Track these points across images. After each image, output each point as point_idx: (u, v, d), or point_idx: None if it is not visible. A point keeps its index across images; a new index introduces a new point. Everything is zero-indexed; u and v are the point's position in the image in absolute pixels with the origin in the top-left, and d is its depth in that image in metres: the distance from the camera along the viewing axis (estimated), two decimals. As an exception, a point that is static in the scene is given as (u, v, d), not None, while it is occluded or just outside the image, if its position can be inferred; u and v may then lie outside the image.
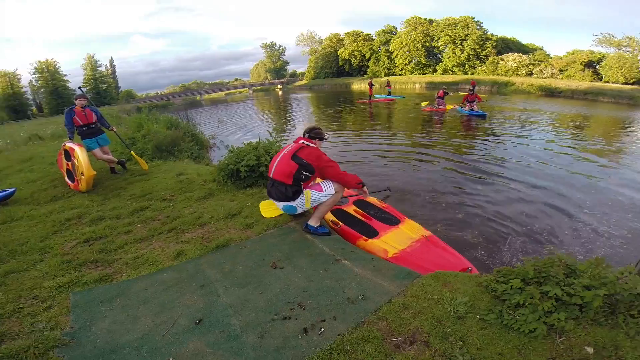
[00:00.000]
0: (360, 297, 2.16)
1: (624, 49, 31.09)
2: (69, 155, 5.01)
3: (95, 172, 4.74)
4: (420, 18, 44.33)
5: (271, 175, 3.00)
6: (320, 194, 2.99)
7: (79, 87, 6.06)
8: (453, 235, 3.87)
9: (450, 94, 20.31)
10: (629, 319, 1.87)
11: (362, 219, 3.50)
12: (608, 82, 29.92)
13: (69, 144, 5.01)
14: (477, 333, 1.94)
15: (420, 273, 2.47)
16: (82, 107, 5.18)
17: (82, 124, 5.19)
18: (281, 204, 3.04)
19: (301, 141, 3.05)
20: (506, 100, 22.47)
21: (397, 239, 3.13)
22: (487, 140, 9.11)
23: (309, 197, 2.97)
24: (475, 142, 8.86)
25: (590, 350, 1.81)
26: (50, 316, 2.22)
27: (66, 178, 5.20)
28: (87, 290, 2.45)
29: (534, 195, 5.05)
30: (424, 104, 16.14)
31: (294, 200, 2.96)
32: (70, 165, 5.03)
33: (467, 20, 40.03)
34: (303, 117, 18.03)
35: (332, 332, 1.88)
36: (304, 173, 2.89)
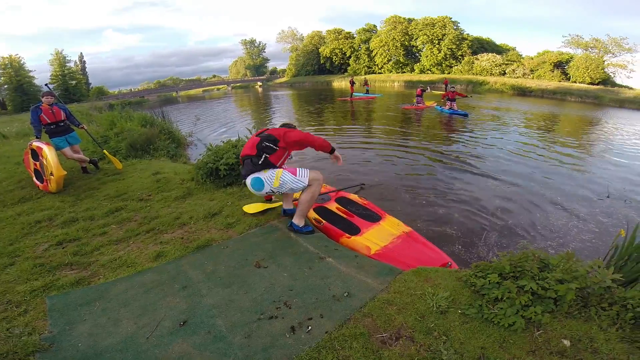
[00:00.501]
0: (345, 295, 2.18)
1: (590, 50, 32.63)
2: (36, 154, 4.75)
3: (65, 172, 4.53)
4: (400, 17, 44.92)
5: (241, 156, 3.01)
6: (292, 177, 2.91)
7: (46, 84, 5.75)
8: (432, 231, 3.97)
9: (428, 90, 20.75)
10: (600, 311, 1.97)
11: (345, 216, 3.52)
12: (575, 82, 31.39)
13: (36, 143, 4.76)
14: (459, 327, 2.00)
15: (402, 269, 2.53)
16: (49, 105, 4.94)
17: (49, 122, 4.94)
18: (250, 179, 2.94)
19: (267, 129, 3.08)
20: (481, 99, 23.19)
21: (378, 236, 3.19)
22: (464, 137, 9.40)
23: (279, 175, 2.90)
24: (453, 139, 9.12)
25: (567, 342, 1.89)
26: (27, 321, 2.11)
27: (34, 178, 4.94)
28: (63, 293, 2.34)
29: (509, 191, 5.26)
30: (429, 103, 15.97)
31: (260, 171, 2.91)
32: (38, 165, 4.77)
33: (445, 20, 40.93)
34: (283, 114, 17.91)
35: (320, 329, 1.89)
36: (266, 143, 2.88)
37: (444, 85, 31.10)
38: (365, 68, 48.79)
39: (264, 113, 18.58)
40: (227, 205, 3.71)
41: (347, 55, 51.02)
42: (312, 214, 3.49)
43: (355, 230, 3.25)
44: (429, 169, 6.37)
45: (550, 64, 33.72)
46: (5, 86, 47.91)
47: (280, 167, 2.99)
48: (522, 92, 29.48)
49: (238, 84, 63.39)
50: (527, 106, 19.22)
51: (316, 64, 55.38)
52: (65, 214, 3.75)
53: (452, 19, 41.06)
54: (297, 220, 3.07)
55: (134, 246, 2.96)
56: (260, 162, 2.88)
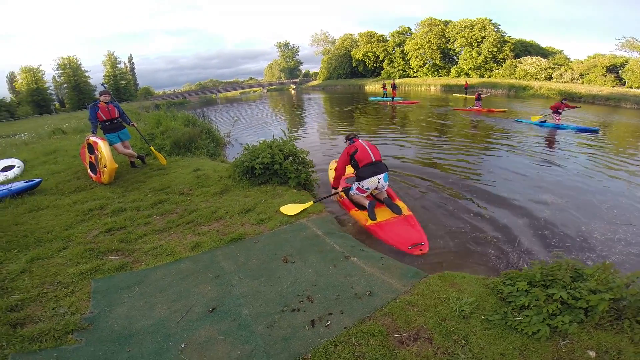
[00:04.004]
0: (367, 293, 2.23)
1: (648, 53, 29.99)
2: (92, 148, 5.23)
3: (117, 165, 4.95)
4: (436, 19, 43.79)
5: (374, 160, 3.92)
6: None
7: (102, 84, 6.29)
8: (467, 238, 3.85)
9: (487, 93, 19.82)
10: (634, 324, 1.88)
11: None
12: (631, 87, 28.95)
13: (92, 138, 5.23)
14: (480, 333, 1.98)
15: (384, 241, 3.17)
16: (105, 103, 5.41)
17: (105, 119, 5.40)
18: (384, 176, 3.91)
19: (360, 141, 4.12)
20: (526, 104, 22.00)
21: (381, 214, 3.87)
22: (502, 145, 8.94)
23: None
24: (494, 146, 8.67)
25: (592, 354, 1.83)
26: (72, 301, 2.36)
27: (89, 170, 5.43)
28: (107, 277, 2.59)
29: (553, 201, 4.93)
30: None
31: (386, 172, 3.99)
32: (93, 158, 5.25)
33: (484, 22, 39.36)
34: (316, 116, 18.08)
35: (339, 325, 1.96)
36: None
37: (464, 89, 29.91)
38: (400, 71, 48.01)
39: (297, 116, 18.86)
40: (260, 202, 3.90)
41: (381, 59, 50.44)
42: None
43: (372, 218, 3.78)
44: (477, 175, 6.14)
45: (602, 67, 31.33)
46: (65, 85, 52.24)
47: None
48: (571, 98, 27.58)
49: (273, 87, 64.66)
50: (579, 114, 17.61)
51: (348, 67, 55.24)
52: (115, 204, 4.11)
53: (492, 21, 39.41)
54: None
55: (174, 236, 3.20)
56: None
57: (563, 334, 1.92)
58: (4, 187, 4.83)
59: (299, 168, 4.75)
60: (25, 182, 5.01)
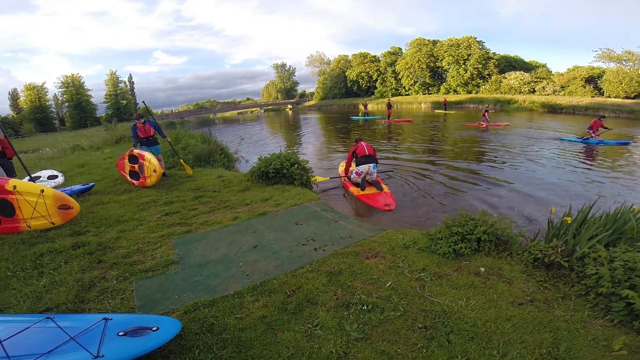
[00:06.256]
0: (348, 237, 3.65)
1: (624, 63, 31.63)
2: (134, 159, 6.49)
3: (163, 171, 6.29)
4: (424, 39, 46.47)
5: (367, 153, 6.37)
6: None
7: (138, 104, 7.63)
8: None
9: (492, 110, 21.53)
10: (514, 255, 3.19)
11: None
12: (609, 97, 30.70)
13: (136, 151, 6.53)
14: (414, 254, 3.35)
15: (368, 204, 5.34)
16: (142, 123, 6.81)
17: (141, 137, 6.82)
18: (373, 165, 6.30)
19: (362, 142, 6.60)
20: (511, 117, 23.68)
21: (368, 190, 6.22)
22: (497, 151, 10.51)
23: None
24: (486, 152, 10.27)
25: (482, 269, 3.16)
26: (162, 251, 3.66)
27: (128, 178, 6.65)
28: (181, 236, 3.96)
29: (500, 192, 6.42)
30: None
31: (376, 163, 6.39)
32: (136, 167, 6.51)
33: (470, 41, 41.87)
34: (313, 136, 19.55)
35: (330, 249, 3.37)
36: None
37: (443, 106, 32.11)
38: (393, 90, 50.25)
39: (295, 136, 20.11)
40: (275, 195, 5.36)
41: (374, 79, 52.75)
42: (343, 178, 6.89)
43: (363, 189, 6.17)
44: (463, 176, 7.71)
45: (581, 79, 33.04)
46: (66, 104, 52.24)
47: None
48: (553, 110, 29.33)
49: (270, 107, 66.09)
50: (559, 124, 19.49)
51: (343, 87, 57.47)
52: (164, 199, 5.49)
53: (477, 39, 41.95)
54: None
55: (218, 214, 4.61)
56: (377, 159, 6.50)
57: (465, 257, 3.25)
58: (67, 189, 5.96)
59: (302, 172, 6.22)
60: (82, 185, 6.25)
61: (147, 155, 6.34)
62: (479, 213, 3.53)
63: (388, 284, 2.76)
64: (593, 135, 11.65)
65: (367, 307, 2.43)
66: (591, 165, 8.66)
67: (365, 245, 3.49)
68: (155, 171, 6.18)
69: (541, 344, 2.06)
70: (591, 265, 2.62)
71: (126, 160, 6.80)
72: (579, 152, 10.39)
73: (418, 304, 2.49)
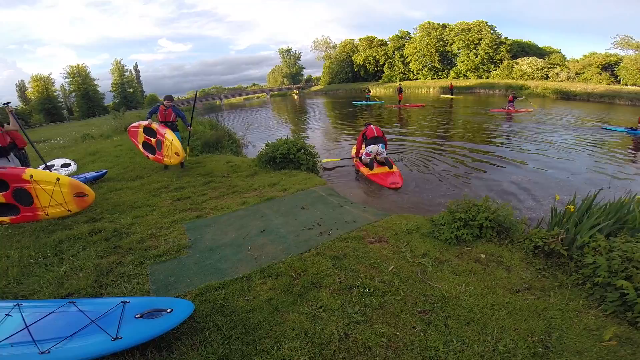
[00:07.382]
0: (353, 221, 3.75)
1: (642, 50, 30.65)
2: (151, 131, 6.35)
3: (185, 154, 6.25)
4: (434, 23, 45.23)
5: (376, 135, 6.80)
6: None
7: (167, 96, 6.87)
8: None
9: (521, 97, 21.13)
10: (515, 242, 3.25)
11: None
12: (626, 84, 29.84)
13: (155, 125, 6.29)
14: (417, 239, 3.44)
15: (376, 182, 5.53)
16: (165, 107, 6.52)
17: (160, 120, 6.57)
18: (381, 145, 6.75)
19: (371, 125, 6.99)
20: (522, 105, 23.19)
21: (377, 170, 6.56)
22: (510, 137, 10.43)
23: None
24: (499, 139, 10.20)
25: (483, 255, 3.23)
26: (174, 236, 3.78)
27: (140, 147, 6.58)
28: (192, 221, 4.11)
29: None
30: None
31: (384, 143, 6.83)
32: (153, 142, 6.38)
33: (481, 25, 40.67)
34: (317, 122, 19.40)
35: (335, 233, 3.48)
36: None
37: (449, 90, 31.26)
38: (401, 75, 49.41)
39: (302, 121, 20.24)
40: (282, 180, 5.48)
41: (381, 63, 51.84)
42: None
43: (371, 169, 6.54)
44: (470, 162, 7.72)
45: (597, 66, 32.20)
46: (74, 94, 52.46)
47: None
48: (566, 96, 28.59)
49: (276, 92, 65.51)
50: (577, 111, 19.05)
51: (350, 72, 56.61)
52: (175, 184, 5.65)
53: (489, 23, 40.73)
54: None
55: (227, 199, 4.75)
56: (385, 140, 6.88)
57: (467, 244, 3.32)
58: (80, 176, 6.11)
59: (308, 157, 6.30)
60: (95, 172, 6.41)
61: (169, 135, 6.12)
62: (481, 199, 3.58)
63: (390, 269, 2.87)
64: None
65: (369, 290, 2.54)
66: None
67: (370, 230, 3.59)
68: (177, 154, 6.00)
69: (534, 332, 2.13)
70: (590, 255, 2.67)
71: (140, 130, 6.65)
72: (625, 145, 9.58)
73: (418, 289, 2.59)
